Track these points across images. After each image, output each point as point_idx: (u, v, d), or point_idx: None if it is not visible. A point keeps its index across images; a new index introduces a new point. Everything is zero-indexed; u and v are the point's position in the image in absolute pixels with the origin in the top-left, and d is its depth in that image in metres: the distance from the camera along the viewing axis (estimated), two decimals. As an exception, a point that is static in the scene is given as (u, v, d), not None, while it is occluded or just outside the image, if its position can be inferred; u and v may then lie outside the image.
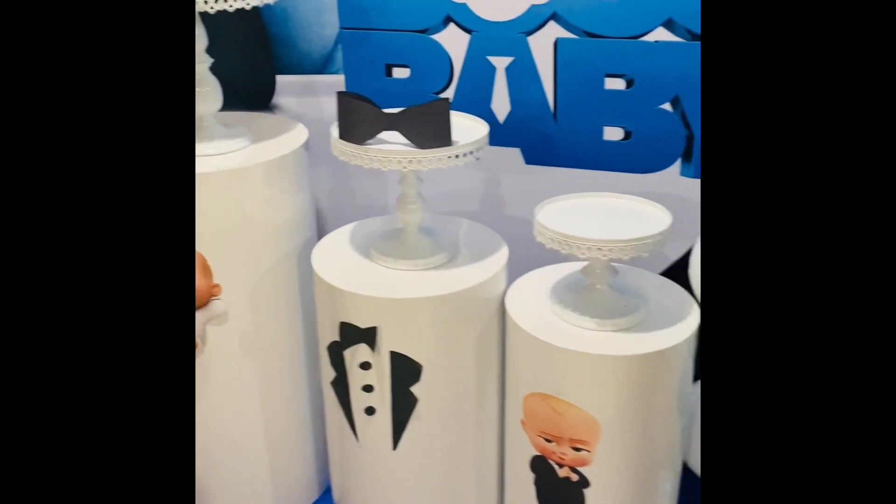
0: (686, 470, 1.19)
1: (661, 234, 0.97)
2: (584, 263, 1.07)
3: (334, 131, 1.07)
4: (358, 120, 1.02)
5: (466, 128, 1.11)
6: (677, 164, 1.33)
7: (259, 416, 1.27)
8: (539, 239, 1.02)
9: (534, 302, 1.09)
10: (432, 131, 1.00)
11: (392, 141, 1.05)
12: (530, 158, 1.42)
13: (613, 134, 1.35)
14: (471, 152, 1.04)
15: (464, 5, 1.35)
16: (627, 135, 1.34)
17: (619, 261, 0.99)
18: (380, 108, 1.04)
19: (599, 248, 0.95)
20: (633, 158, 1.35)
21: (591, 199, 1.08)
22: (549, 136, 1.39)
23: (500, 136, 1.41)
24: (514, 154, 1.42)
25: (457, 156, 1.01)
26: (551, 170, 1.41)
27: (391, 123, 1.02)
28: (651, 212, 1.04)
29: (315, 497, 1.43)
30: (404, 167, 1.00)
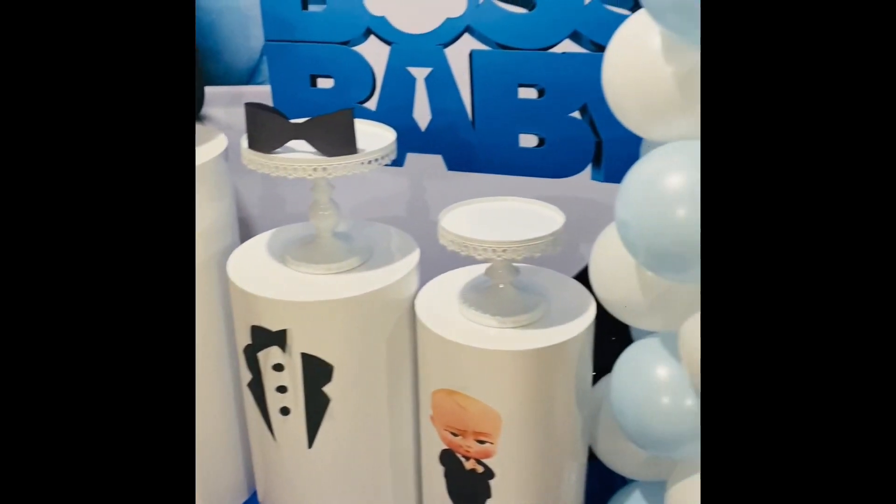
0: (592, 458, 1.24)
1: (552, 234, 1.02)
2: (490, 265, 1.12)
3: (244, 142, 1.11)
4: (265, 130, 1.06)
5: (375, 135, 1.15)
6: (588, 169, 1.39)
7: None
8: (441, 242, 1.07)
9: (443, 302, 1.14)
10: (337, 140, 1.05)
11: (301, 150, 1.09)
12: (452, 165, 1.47)
13: (528, 141, 1.41)
14: (376, 159, 1.08)
15: (383, 18, 1.40)
16: (541, 141, 1.40)
17: (523, 260, 1.04)
18: (286, 118, 1.08)
19: (494, 250, 1.00)
20: (547, 164, 1.41)
21: (493, 203, 1.13)
22: (469, 144, 1.44)
23: (422, 143, 1.46)
24: (437, 161, 1.47)
25: (362, 163, 1.06)
26: (472, 175, 1.46)
27: (298, 133, 1.06)
28: (548, 214, 1.10)
29: (244, 498, 1.46)
30: (309, 175, 1.04)
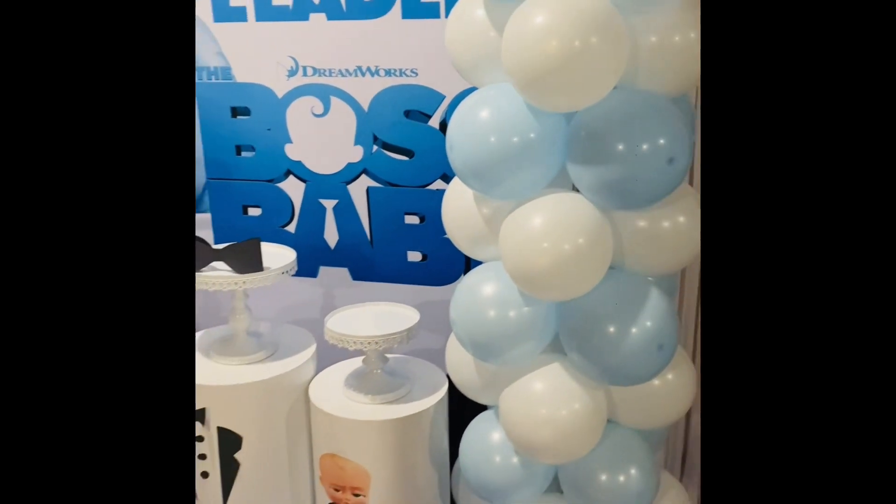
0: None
1: (406, 330, 1.37)
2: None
3: (177, 262, 1.46)
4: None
5: (279, 255, 1.51)
6: (462, 278, 1.75)
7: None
8: (326, 337, 1.40)
9: (331, 385, 1.46)
10: (248, 261, 1.40)
11: (221, 269, 1.44)
12: (356, 275, 1.83)
13: (414, 256, 1.77)
14: (280, 273, 1.43)
15: (300, 162, 1.78)
16: (424, 257, 1.77)
17: (391, 350, 1.37)
18: (210, 245, 1.43)
19: (362, 342, 1.34)
20: (429, 274, 1.77)
21: (367, 307, 1.48)
22: (369, 259, 1.80)
23: (332, 258, 1.82)
24: (344, 273, 1.83)
25: (266, 280, 1.41)
26: (372, 283, 1.81)
27: (217, 256, 1.41)
28: (408, 314, 1.44)
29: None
30: (226, 288, 1.39)
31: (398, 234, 1.76)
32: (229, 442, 1.42)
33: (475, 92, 1.21)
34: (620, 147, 1.09)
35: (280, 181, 1.80)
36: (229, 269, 1.42)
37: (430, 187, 1.71)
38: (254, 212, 1.84)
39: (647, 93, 1.13)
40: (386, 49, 1.64)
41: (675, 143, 1.08)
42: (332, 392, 1.44)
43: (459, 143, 1.19)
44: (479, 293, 1.26)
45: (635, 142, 1.08)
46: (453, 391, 1.46)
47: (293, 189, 1.80)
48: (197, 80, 1.76)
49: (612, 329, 1.17)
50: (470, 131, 1.17)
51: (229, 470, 1.43)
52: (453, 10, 1.24)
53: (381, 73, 1.66)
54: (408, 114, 1.67)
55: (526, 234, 1.15)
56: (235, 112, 1.78)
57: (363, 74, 1.67)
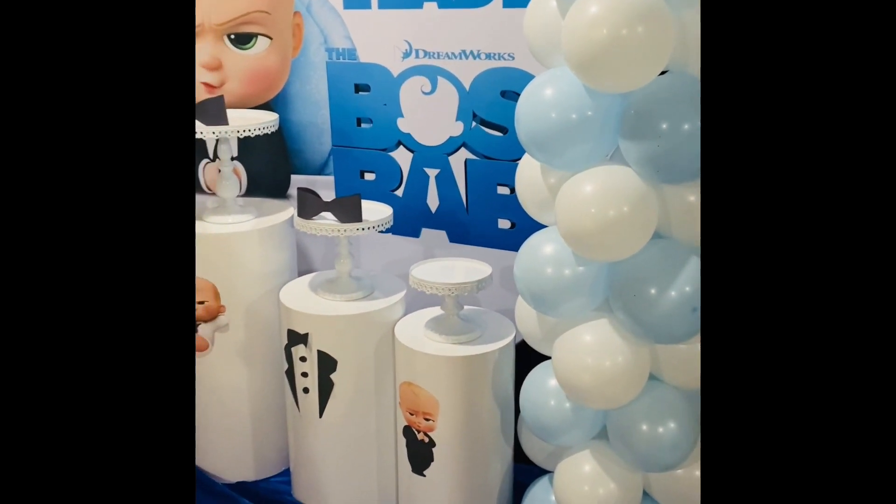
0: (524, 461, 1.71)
1: (477, 281, 1.57)
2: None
3: (294, 212, 1.75)
4: (307, 205, 1.69)
5: (379, 211, 1.76)
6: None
7: (246, 398, 1.91)
8: (410, 283, 1.63)
9: (414, 325, 1.70)
10: (350, 213, 1.65)
11: (329, 219, 1.70)
12: (452, 238, 2.04)
13: (504, 224, 1.96)
14: (374, 227, 1.68)
15: (408, 134, 2.02)
16: (513, 225, 1.95)
17: (466, 300, 1.57)
18: (320, 197, 1.70)
19: (436, 287, 1.56)
20: (516, 241, 1.93)
21: (449, 261, 1.70)
22: (464, 224, 2.01)
23: (432, 221, 2.05)
24: (442, 235, 2.05)
25: (363, 229, 1.66)
26: (466, 246, 2.02)
27: (326, 207, 1.68)
28: (482, 269, 1.64)
29: (287, 465, 2.02)
30: (330, 234, 1.65)
31: (491, 203, 1.95)
32: (327, 364, 1.69)
33: (542, 73, 1.38)
34: (664, 125, 1.22)
35: (392, 150, 2.04)
36: (335, 219, 1.68)
37: (520, 161, 1.88)
38: (369, 176, 2.10)
39: (696, 78, 1.25)
40: (487, 35, 1.83)
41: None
42: (415, 331, 1.67)
43: (525, 117, 1.37)
44: (539, 252, 1.44)
45: (678, 121, 1.22)
46: (524, 351, 1.65)
47: (402, 158, 2.04)
48: (327, 60, 2.04)
49: (651, 290, 1.31)
50: (534, 107, 1.35)
51: (326, 388, 1.71)
52: (532, 1, 1.41)
53: (482, 56, 1.85)
54: (504, 94, 1.85)
55: (577, 199, 1.31)
56: (358, 88, 2.04)
57: (466, 57, 1.87)
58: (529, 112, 1.36)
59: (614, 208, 1.28)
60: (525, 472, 1.74)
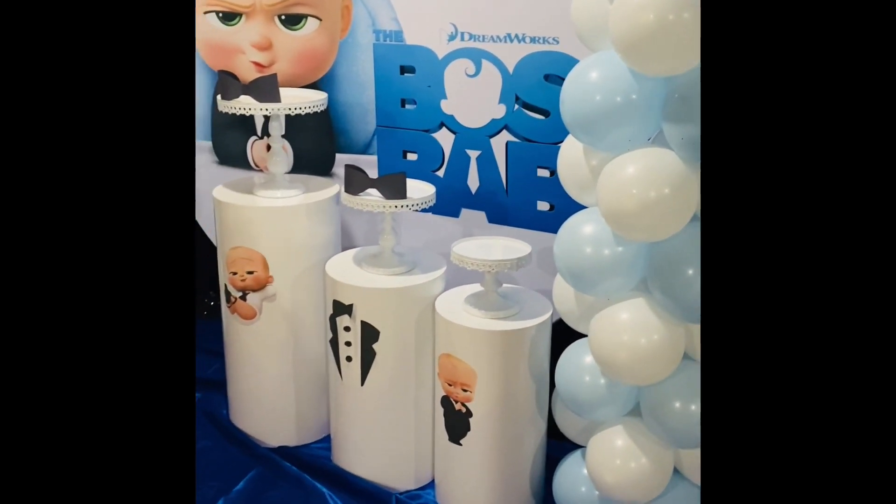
0: (557, 436, 1.76)
1: (515, 259, 1.62)
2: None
3: (342, 188, 1.81)
4: (354, 181, 1.75)
5: (422, 190, 1.81)
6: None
7: (290, 366, 1.99)
8: (451, 259, 1.69)
9: (454, 300, 1.75)
10: (395, 190, 1.71)
11: (374, 195, 1.76)
12: (491, 219, 2.09)
13: (543, 206, 2.01)
14: (418, 204, 1.73)
15: (452, 116, 2.07)
16: (551, 207, 1.99)
17: (505, 278, 1.62)
18: (367, 175, 1.76)
19: (475, 263, 1.61)
20: (555, 223, 1.98)
21: (489, 239, 1.75)
22: (503, 205, 2.06)
23: (472, 202, 2.10)
24: (481, 215, 2.10)
25: (407, 206, 1.71)
26: (505, 227, 2.07)
27: (372, 184, 1.74)
28: (520, 248, 1.69)
29: (327, 432, 2.09)
30: (375, 209, 1.71)
31: (530, 185, 1.99)
32: (370, 334, 1.76)
33: (588, 56, 1.42)
34: (706, 109, 1.26)
35: (434, 132, 2.09)
36: (381, 195, 1.74)
37: (561, 144, 1.92)
38: (411, 156, 2.16)
39: (740, 63, 1.28)
40: (532, 19, 1.87)
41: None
42: (454, 305, 1.73)
43: (570, 98, 1.41)
44: (579, 232, 1.49)
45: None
46: (560, 331, 1.70)
47: (444, 139, 2.09)
48: (374, 42, 2.09)
49: (688, 271, 1.34)
50: (580, 89, 1.39)
51: (368, 357, 1.78)
52: None
53: (527, 39, 1.89)
54: (547, 77, 1.89)
55: (619, 180, 1.35)
56: (403, 70, 2.09)
57: (511, 40, 1.91)
58: (575, 94, 1.40)
59: (655, 190, 1.32)
60: (557, 447, 1.79)
